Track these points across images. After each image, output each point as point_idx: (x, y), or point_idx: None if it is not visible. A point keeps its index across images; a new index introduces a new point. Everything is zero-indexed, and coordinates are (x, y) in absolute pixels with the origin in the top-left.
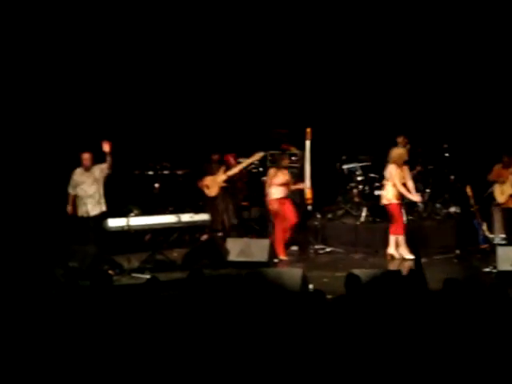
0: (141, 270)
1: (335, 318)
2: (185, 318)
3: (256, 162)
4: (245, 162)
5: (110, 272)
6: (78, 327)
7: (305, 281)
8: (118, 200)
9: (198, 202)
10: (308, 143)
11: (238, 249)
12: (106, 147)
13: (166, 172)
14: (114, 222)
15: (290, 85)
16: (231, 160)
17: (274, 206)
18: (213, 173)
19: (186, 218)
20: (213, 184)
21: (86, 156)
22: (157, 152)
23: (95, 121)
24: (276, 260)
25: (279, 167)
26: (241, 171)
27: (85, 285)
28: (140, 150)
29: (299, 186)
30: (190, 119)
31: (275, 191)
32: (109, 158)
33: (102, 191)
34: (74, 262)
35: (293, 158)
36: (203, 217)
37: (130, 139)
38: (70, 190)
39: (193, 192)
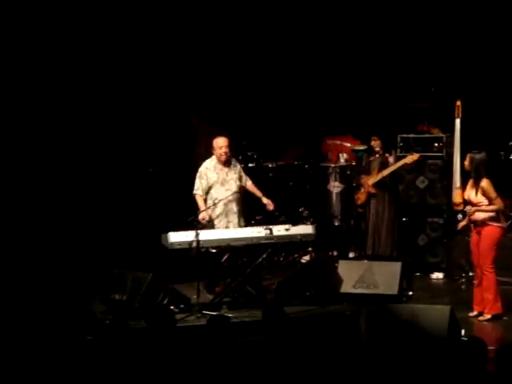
0: (215, 306)
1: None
2: (265, 375)
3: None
4: (396, 164)
5: (172, 308)
6: None
7: (454, 323)
8: (183, 205)
9: (298, 208)
10: (458, 123)
11: (355, 276)
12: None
13: (251, 165)
14: (176, 237)
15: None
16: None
17: None
18: (370, 170)
19: (281, 230)
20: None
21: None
22: (238, 137)
23: None
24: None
25: None
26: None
27: (136, 327)
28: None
29: None
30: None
31: None
32: None
33: None
34: (119, 293)
35: (436, 145)
36: (306, 229)
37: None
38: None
39: (289, 193)
